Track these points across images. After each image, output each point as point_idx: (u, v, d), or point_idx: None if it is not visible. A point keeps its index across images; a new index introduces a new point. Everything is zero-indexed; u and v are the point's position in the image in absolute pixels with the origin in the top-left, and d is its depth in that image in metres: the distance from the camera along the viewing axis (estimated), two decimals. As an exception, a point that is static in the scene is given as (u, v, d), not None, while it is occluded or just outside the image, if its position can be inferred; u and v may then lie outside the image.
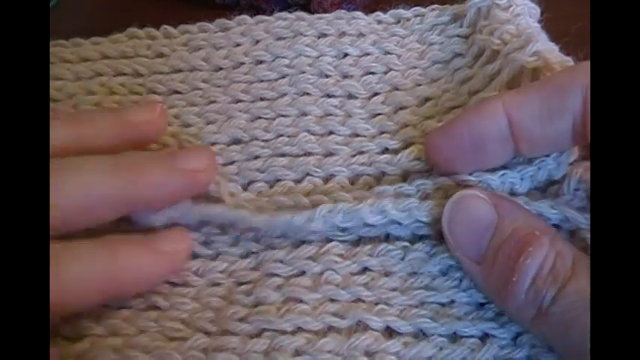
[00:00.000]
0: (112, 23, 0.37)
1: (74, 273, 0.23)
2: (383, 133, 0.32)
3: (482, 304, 0.27)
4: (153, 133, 0.29)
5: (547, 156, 0.27)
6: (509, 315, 0.25)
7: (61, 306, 0.23)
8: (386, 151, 0.31)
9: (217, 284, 0.28)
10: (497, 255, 0.25)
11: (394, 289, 0.27)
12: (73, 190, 0.24)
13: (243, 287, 0.28)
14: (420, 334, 0.26)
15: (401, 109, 0.32)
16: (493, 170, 0.27)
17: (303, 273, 0.28)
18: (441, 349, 0.26)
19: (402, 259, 0.28)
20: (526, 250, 0.24)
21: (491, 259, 0.25)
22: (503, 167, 0.27)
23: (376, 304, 0.27)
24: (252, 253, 0.29)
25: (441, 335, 0.26)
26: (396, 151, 0.31)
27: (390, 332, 0.26)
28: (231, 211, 0.28)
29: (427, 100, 0.33)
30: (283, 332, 0.26)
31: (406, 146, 0.31)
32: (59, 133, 0.26)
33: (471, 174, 0.27)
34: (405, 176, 0.30)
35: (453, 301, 0.27)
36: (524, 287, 0.24)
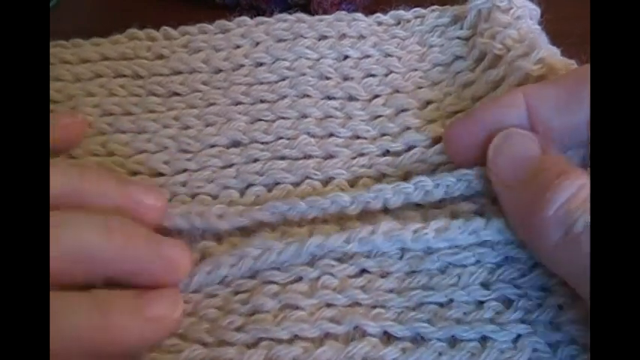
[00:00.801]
0: (111, 23, 0.37)
1: (63, 326, 0.22)
2: (384, 135, 0.32)
3: (481, 302, 0.26)
4: (152, 218, 0.27)
5: None
6: (533, 237, 0.25)
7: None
8: (387, 153, 0.31)
9: (214, 296, 0.28)
10: (535, 178, 0.24)
11: (391, 291, 0.27)
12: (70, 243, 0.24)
13: (240, 296, 0.27)
14: (419, 339, 0.26)
15: (402, 111, 0.32)
16: None
17: (300, 279, 0.28)
18: (440, 354, 0.25)
19: (400, 258, 0.28)
20: (565, 174, 0.23)
21: (527, 181, 0.25)
22: None
23: (373, 307, 0.27)
24: None
25: (439, 340, 0.26)
26: (397, 154, 0.31)
27: (388, 337, 0.26)
28: (211, 275, 0.27)
29: (429, 103, 0.32)
30: (280, 341, 0.26)
31: (408, 149, 0.31)
32: (57, 181, 0.25)
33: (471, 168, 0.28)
34: (406, 178, 0.30)
35: (451, 301, 0.26)
36: (556, 202, 0.23)
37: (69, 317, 0.23)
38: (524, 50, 0.30)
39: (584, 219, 0.22)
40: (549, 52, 0.30)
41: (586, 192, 0.23)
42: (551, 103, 0.26)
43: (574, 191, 0.23)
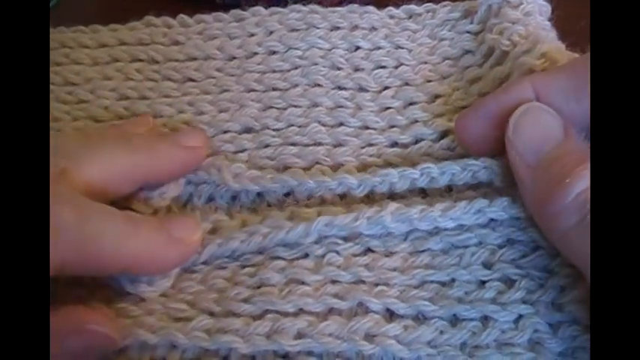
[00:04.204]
0: (111, 24, 0.38)
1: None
2: (393, 127, 0.32)
3: (483, 282, 0.27)
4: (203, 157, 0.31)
5: None
6: (547, 221, 0.25)
7: None
8: (395, 145, 0.32)
9: (222, 267, 0.29)
10: (556, 162, 0.24)
11: (394, 270, 0.27)
12: (96, 167, 0.26)
13: (247, 269, 0.28)
14: (421, 317, 0.27)
15: (411, 104, 0.33)
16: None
17: (306, 255, 0.28)
18: (441, 332, 0.26)
19: (405, 239, 0.28)
20: (586, 163, 0.23)
21: (547, 163, 0.25)
22: None
23: (376, 284, 0.27)
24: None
25: (441, 318, 0.26)
26: (405, 146, 0.31)
27: (390, 314, 0.27)
28: (222, 247, 0.28)
29: (437, 97, 0.33)
30: (285, 314, 0.26)
31: (416, 142, 0.31)
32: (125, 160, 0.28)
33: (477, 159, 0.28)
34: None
35: (453, 280, 0.27)
36: (574, 190, 0.23)
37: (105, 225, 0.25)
38: (527, 46, 0.30)
39: None
40: (553, 46, 0.30)
41: None
42: (560, 91, 0.26)
43: None
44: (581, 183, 0.23)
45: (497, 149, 0.27)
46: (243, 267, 0.28)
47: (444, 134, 0.31)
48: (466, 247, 0.28)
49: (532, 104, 0.26)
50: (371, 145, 0.32)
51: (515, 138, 0.26)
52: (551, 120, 0.26)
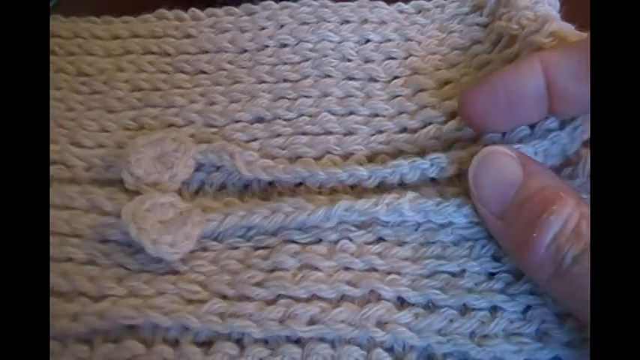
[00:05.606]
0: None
1: None
2: (402, 113, 0.32)
3: (492, 274, 0.27)
4: None
5: (561, 129, 0.28)
6: (527, 272, 0.26)
7: None
8: (404, 130, 0.32)
9: (235, 248, 0.29)
10: (520, 210, 0.25)
11: (406, 259, 0.28)
12: None
13: (260, 252, 0.28)
14: (431, 305, 0.27)
15: (420, 91, 0.33)
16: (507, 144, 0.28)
17: (319, 240, 0.29)
18: (451, 321, 0.26)
19: (416, 229, 0.28)
20: (549, 208, 0.24)
21: (513, 213, 0.25)
22: (519, 141, 0.28)
23: (388, 273, 0.27)
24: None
25: (451, 307, 0.27)
26: (414, 131, 0.32)
27: (401, 302, 0.27)
28: (244, 220, 0.28)
29: (446, 83, 0.33)
30: (298, 300, 0.27)
31: (424, 126, 0.31)
32: None
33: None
34: (422, 154, 0.30)
35: (463, 271, 0.27)
36: (544, 242, 0.23)
37: None
38: (536, 26, 0.30)
39: (572, 253, 0.23)
40: (563, 26, 0.30)
41: (574, 221, 0.23)
42: (568, 69, 0.25)
43: (561, 225, 0.23)
44: (550, 232, 0.23)
45: (501, 124, 0.28)
46: (256, 249, 0.29)
47: (451, 116, 0.31)
48: (476, 239, 0.28)
49: (486, 150, 0.26)
50: (380, 132, 0.32)
51: (477, 191, 0.26)
52: (507, 162, 0.26)
